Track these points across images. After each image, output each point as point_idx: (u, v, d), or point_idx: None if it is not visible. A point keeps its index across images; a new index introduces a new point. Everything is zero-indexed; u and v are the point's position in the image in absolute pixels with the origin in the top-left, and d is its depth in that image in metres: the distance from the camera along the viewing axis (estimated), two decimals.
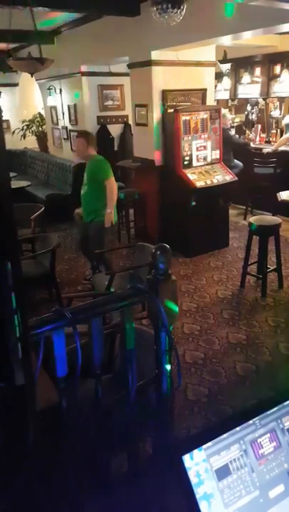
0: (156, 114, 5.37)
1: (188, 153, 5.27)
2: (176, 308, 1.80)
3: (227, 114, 7.27)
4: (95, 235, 4.24)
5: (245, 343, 3.54)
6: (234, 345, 3.52)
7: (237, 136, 7.47)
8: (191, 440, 0.89)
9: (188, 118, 5.19)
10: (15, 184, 6.89)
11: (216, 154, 5.51)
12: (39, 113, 9.60)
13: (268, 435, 0.94)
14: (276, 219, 4.44)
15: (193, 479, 0.85)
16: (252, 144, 7.18)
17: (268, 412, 0.97)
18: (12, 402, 0.81)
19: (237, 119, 8.52)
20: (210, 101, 5.82)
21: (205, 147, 5.40)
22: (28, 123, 9.61)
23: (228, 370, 3.21)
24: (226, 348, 3.49)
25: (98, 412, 1.81)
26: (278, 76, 7.09)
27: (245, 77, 7.59)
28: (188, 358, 3.36)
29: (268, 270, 4.38)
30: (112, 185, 4.14)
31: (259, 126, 7.70)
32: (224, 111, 7.53)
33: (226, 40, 4.88)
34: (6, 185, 0.73)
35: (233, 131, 7.23)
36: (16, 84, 9.70)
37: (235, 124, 8.15)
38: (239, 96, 7.95)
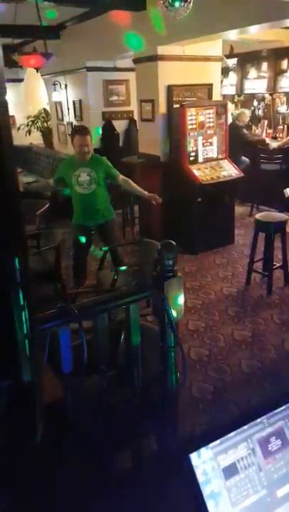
0: (162, 110, 5.34)
1: (194, 148, 5.23)
2: (182, 305, 1.79)
3: (246, 112, 7.19)
4: (113, 232, 4.22)
5: (250, 341, 3.52)
6: (239, 342, 3.51)
7: (250, 134, 7.34)
8: (198, 438, 0.89)
9: (194, 113, 5.15)
10: (20, 180, 6.89)
11: (223, 150, 5.48)
12: (44, 109, 9.59)
13: (276, 434, 0.94)
14: (282, 215, 4.40)
15: (201, 478, 0.85)
16: (267, 141, 7.08)
17: (276, 411, 0.96)
18: (19, 399, 0.81)
19: None
20: (216, 96, 5.78)
21: (211, 143, 5.37)
22: (33, 119, 9.61)
23: (233, 367, 3.20)
24: (231, 345, 3.48)
25: (103, 409, 1.81)
26: (285, 71, 7.03)
27: (252, 72, 7.53)
28: (193, 354, 3.35)
29: (274, 267, 4.35)
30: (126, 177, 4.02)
31: (265, 121, 7.65)
32: (241, 109, 7.48)
33: (233, 35, 4.84)
34: (14, 183, 0.72)
35: (245, 129, 7.14)
36: (21, 80, 9.69)
37: (246, 122, 8.07)
38: (245, 91, 7.89)
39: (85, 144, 3.87)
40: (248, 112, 7.38)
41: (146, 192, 3.99)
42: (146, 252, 3.60)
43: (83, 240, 4.08)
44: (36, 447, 0.92)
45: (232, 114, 7.10)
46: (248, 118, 7.31)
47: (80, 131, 3.98)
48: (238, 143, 6.10)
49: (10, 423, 0.88)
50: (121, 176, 3.96)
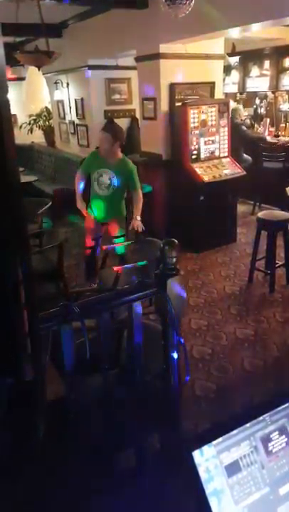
0: (164, 108, 5.33)
1: (196, 147, 5.23)
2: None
3: (240, 108, 7.18)
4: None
5: (252, 339, 3.52)
6: (242, 340, 3.51)
7: (249, 131, 7.33)
8: (201, 436, 0.89)
9: (196, 111, 5.15)
10: (22, 179, 6.89)
11: (225, 148, 5.46)
12: (46, 107, 9.59)
13: (279, 432, 0.94)
14: (285, 214, 4.39)
15: (203, 475, 0.85)
16: (268, 138, 7.06)
17: (279, 409, 0.96)
18: (21, 397, 0.81)
19: (245, 113, 8.43)
20: (218, 94, 5.77)
21: (213, 141, 5.36)
22: (35, 117, 9.60)
23: (235, 365, 3.20)
24: (233, 343, 3.48)
25: (105, 407, 1.82)
26: (287, 69, 7.01)
27: (254, 70, 7.51)
28: (195, 353, 3.35)
29: (276, 266, 4.35)
30: (141, 196, 3.99)
31: (268, 119, 7.62)
32: (236, 105, 7.47)
33: (235, 33, 4.82)
34: (17, 180, 0.72)
35: (244, 126, 7.13)
36: (23, 79, 9.68)
37: (243, 118, 8.06)
38: (247, 89, 7.87)
39: (103, 141, 3.70)
40: (242, 108, 7.37)
41: (138, 216, 3.92)
42: (148, 250, 3.60)
43: (95, 212, 4.02)
44: (38, 445, 0.92)
45: None
46: (244, 113, 7.28)
47: (104, 126, 3.89)
48: (238, 140, 6.08)
49: (11, 422, 0.88)
50: (139, 191, 3.92)
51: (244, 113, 8.26)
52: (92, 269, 4.22)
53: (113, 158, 3.82)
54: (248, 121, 7.42)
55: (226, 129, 5.43)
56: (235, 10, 4.05)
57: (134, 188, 3.91)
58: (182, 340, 1.90)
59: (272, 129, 7.53)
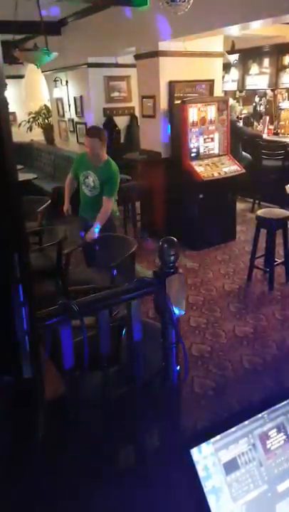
0: (163, 106, 5.33)
1: (196, 145, 5.22)
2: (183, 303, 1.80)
3: (236, 105, 7.18)
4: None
5: (252, 337, 3.53)
6: (241, 338, 3.51)
7: (246, 127, 7.33)
8: (199, 434, 0.89)
9: (195, 109, 5.14)
10: (21, 177, 6.87)
11: (224, 146, 5.46)
12: (45, 105, 9.57)
13: (277, 429, 0.94)
14: (284, 212, 4.40)
15: (201, 473, 0.85)
16: (265, 136, 7.07)
17: (277, 406, 0.96)
18: (21, 396, 0.81)
19: (245, 111, 8.43)
20: (218, 92, 5.76)
21: (212, 139, 5.35)
22: (34, 115, 9.59)
23: (234, 363, 3.21)
24: (232, 341, 3.48)
25: (105, 404, 1.82)
26: (287, 67, 6.99)
27: (253, 68, 7.50)
28: (194, 351, 3.36)
29: (276, 264, 4.35)
30: (110, 207, 3.78)
31: (267, 117, 7.61)
32: (232, 102, 7.45)
33: (234, 31, 4.81)
34: (15, 179, 0.72)
35: (241, 123, 7.14)
36: (22, 76, 9.66)
37: (242, 116, 8.06)
38: (247, 87, 7.85)
39: (89, 146, 3.67)
40: (238, 106, 7.35)
41: (95, 228, 3.73)
42: (121, 249, 3.51)
43: (83, 212, 4.02)
44: (38, 444, 0.92)
45: None
46: (240, 110, 7.27)
47: (87, 131, 3.84)
48: (235, 138, 6.07)
49: (11, 421, 0.88)
50: (108, 200, 3.75)
51: (243, 110, 8.27)
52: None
53: (99, 161, 3.76)
54: (238, 120, 7.38)
55: (225, 126, 5.42)
56: (235, 7, 4.04)
57: (106, 195, 3.75)
58: (181, 339, 1.90)
59: (272, 127, 7.52)
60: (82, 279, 3.63)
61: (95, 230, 3.72)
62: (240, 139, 6.44)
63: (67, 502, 1.52)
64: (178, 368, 1.86)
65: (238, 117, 7.10)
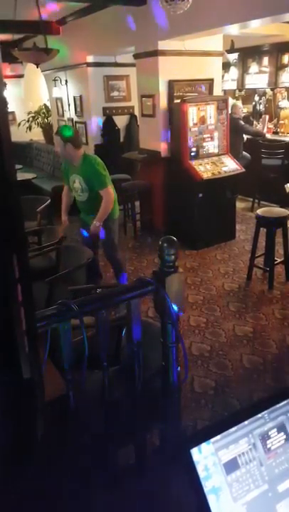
0: (163, 105, 5.32)
1: (195, 144, 5.22)
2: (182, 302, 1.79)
3: (238, 104, 7.16)
4: (109, 237, 3.92)
5: (251, 336, 3.52)
6: (241, 337, 3.51)
7: (249, 125, 7.27)
8: (199, 433, 0.89)
9: (195, 108, 5.13)
10: (21, 176, 6.87)
11: (224, 145, 5.46)
12: (45, 105, 9.57)
13: (277, 429, 0.94)
14: (284, 211, 4.39)
15: (202, 473, 0.85)
16: (267, 135, 7.04)
17: (277, 406, 0.96)
18: (20, 395, 0.81)
19: (244, 110, 8.42)
20: (217, 91, 5.76)
21: (212, 138, 5.35)
22: (33, 115, 9.58)
23: (234, 362, 3.20)
24: (232, 340, 3.48)
25: (105, 404, 1.82)
26: (286, 66, 6.99)
27: (253, 67, 7.49)
28: (194, 350, 3.35)
29: (275, 263, 4.35)
30: (110, 196, 3.64)
31: (267, 116, 7.61)
32: (235, 100, 7.45)
33: (234, 30, 4.80)
34: (13, 178, 0.72)
35: (242, 121, 7.12)
36: (21, 76, 9.65)
37: (242, 115, 8.05)
38: (247, 86, 7.85)
39: (56, 146, 3.51)
40: (240, 104, 7.35)
41: (98, 222, 3.65)
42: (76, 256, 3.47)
43: (85, 234, 3.96)
44: (38, 444, 0.92)
45: None
46: (242, 109, 7.26)
47: (56, 130, 3.69)
48: (236, 136, 6.06)
49: (11, 420, 0.88)
50: (106, 190, 3.62)
51: (243, 109, 8.26)
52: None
53: (76, 161, 3.63)
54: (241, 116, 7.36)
55: (225, 126, 5.42)
56: (235, 6, 4.04)
57: (99, 188, 3.61)
58: (181, 338, 1.90)
59: (271, 126, 7.52)
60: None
61: (97, 224, 3.67)
62: (241, 138, 6.43)
63: (67, 502, 1.52)
64: (178, 367, 1.86)
65: (244, 117, 7.07)
